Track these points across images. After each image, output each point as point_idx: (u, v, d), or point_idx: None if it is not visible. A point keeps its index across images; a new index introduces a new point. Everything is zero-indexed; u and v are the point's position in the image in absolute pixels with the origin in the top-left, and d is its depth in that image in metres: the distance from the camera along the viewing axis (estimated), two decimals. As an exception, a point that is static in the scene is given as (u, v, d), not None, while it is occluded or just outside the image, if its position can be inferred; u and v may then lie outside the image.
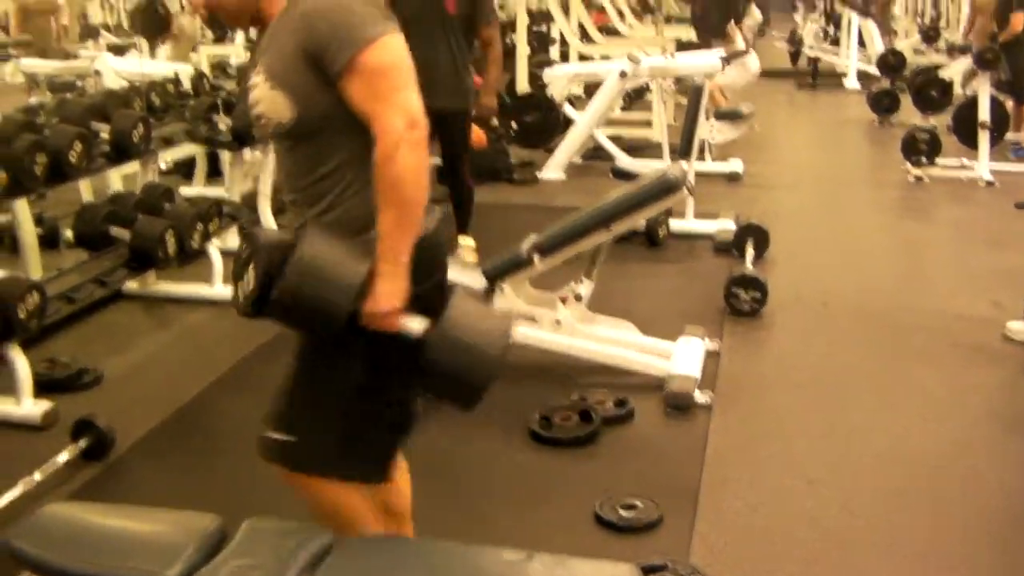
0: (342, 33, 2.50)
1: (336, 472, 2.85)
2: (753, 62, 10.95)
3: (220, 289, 6.28)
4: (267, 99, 2.61)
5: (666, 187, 4.91)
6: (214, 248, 6.29)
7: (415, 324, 2.63)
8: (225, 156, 7.91)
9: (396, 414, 2.85)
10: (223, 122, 6.90)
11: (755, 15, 20.03)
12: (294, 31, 2.57)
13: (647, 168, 6.55)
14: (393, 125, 2.47)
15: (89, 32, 14.95)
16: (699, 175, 7.81)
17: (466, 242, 6.66)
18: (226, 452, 4.50)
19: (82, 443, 4.33)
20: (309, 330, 2.78)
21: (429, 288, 2.67)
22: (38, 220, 6.63)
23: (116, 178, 7.39)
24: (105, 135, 5.90)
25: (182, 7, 14.42)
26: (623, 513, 3.81)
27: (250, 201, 7.19)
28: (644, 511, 3.82)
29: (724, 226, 7.30)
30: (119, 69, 9.85)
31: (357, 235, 2.63)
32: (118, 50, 12.98)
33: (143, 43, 12.67)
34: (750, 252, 6.65)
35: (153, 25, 12.59)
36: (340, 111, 2.56)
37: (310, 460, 2.86)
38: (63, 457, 4.22)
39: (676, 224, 7.40)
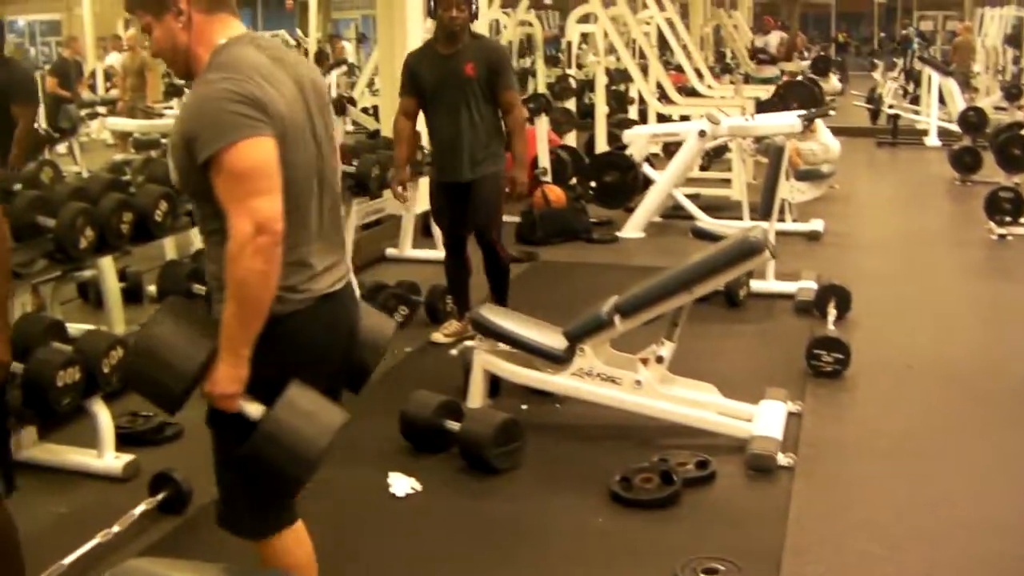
0: (209, 130, 2.60)
1: (265, 531, 2.99)
2: (835, 142, 10.87)
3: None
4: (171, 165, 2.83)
5: (749, 250, 4.89)
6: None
7: (252, 409, 2.75)
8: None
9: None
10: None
11: (834, 84, 20.08)
12: (183, 109, 2.78)
13: (728, 229, 6.51)
14: (242, 228, 2.57)
15: (173, 91, 15.19)
16: (779, 235, 7.75)
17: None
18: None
19: (160, 496, 4.36)
20: (155, 404, 2.93)
21: (271, 374, 2.74)
22: (122, 275, 6.73)
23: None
24: (190, 195, 5.97)
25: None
26: (704, 577, 3.77)
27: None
28: (726, 575, 3.77)
29: (805, 286, 7.23)
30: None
31: None
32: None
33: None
34: (832, 313, 6.58)
35: None
36: (212, 192, 2.67)
37: (241, 526, 3.02)
38: (140, 509, 4.26)
39: (757, 284, 7.34)
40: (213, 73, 2.68)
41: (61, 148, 12.64)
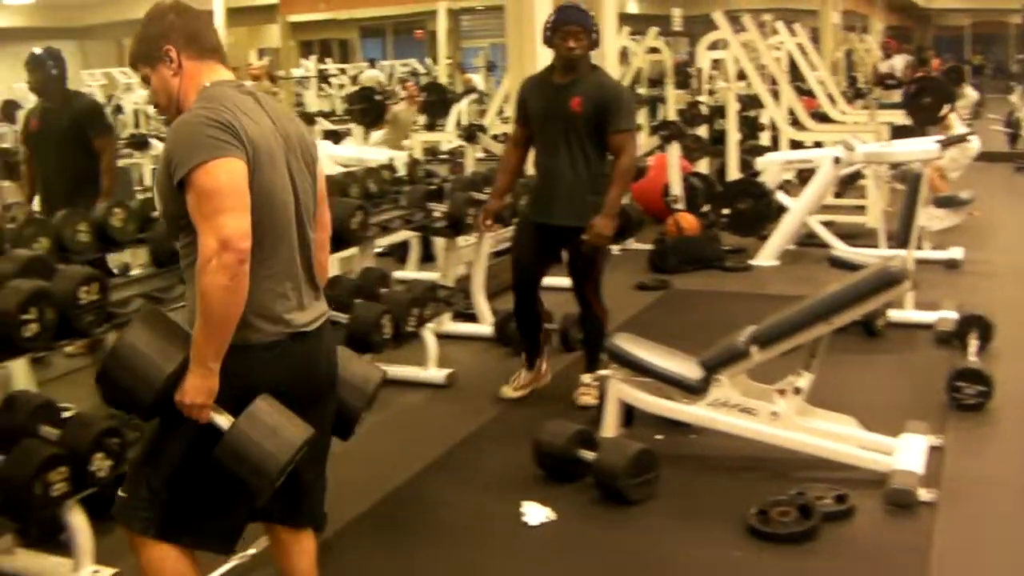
0: (184, 151, 2.77)
1: (156, 531, 3.00)
2: (973, 141, 10.68)
3: (434, 372, 6.37)
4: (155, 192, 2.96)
5: (889, 280, 4.80)
6: (429, 332, 6.38)
7: (221, 420, 2.85)
8: (439, 241, 8.05)
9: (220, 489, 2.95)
10: (438, 209, 7.02)
11: (969, 94, 19.64)
12: (166, 137, 2.92)
13: (865, 257, 6.41)
14: (208, 244, 2.71)
15: (305, 119, 15.45)
16: (917, 263, 7.61)
17: (586, 380, 5.93)
18: (432, 542, 4.53)
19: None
20: (125, 411, 3.11)
21: (239, 393, 2.86)
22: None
23: (333, 261, 7.57)
24: (325, 221, 6.05)
25: (399, 97, 14.84)
26: (845, 615, 3.69)
27: (464, 285, 7.30)
28: (866, 614, 3.70)
29: (945, 316, 7.07)
30: (335, 155, 10.15)
31: None
32: (334, 136, 13.40)
33: (358, 129, 13.05)
34: (973, 343, 6.41)
35: (370, 113, 12.97)
36: (188, 216, 2.82)
37: (133, 516, 3.01)
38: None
39: (895, 314, 7.20)
40: (195, 106, 2.88)
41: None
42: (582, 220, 5.61)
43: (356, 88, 17.29)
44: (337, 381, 3.20)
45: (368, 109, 13.02)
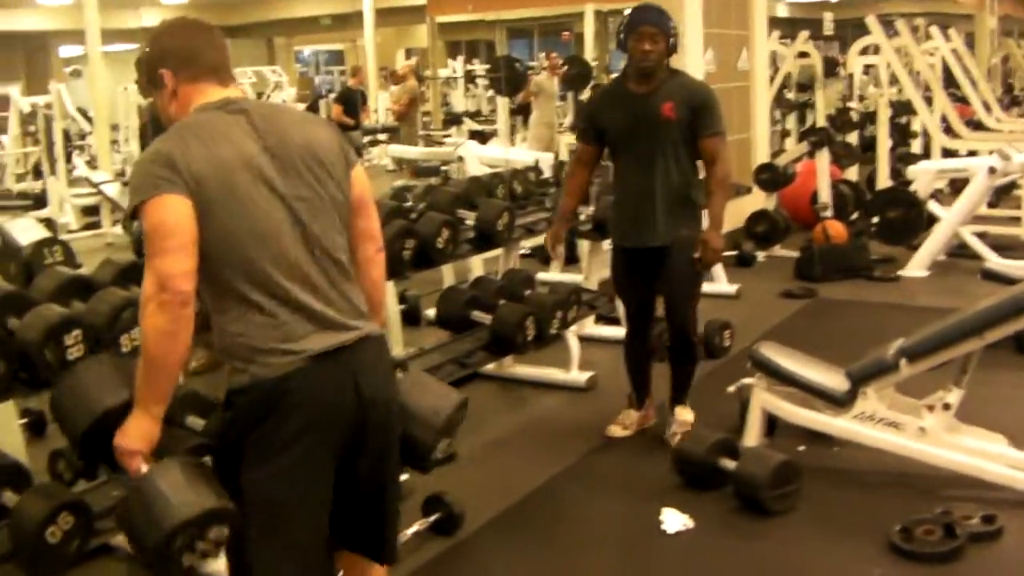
0: (131, 189, 2.73)
1: None
2: None
3: (576, 375, 6.38)
4: None
5: (1046, 295, 4.67)
6: (572, 335, 6.39)
7: (144, 470, 2.73)
8: (583, 244, 8.05)
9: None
10: (584, 211, 7.02)
11: None
12: None
13: (1020, 270, 6.24)
14: (146, 285, 2.61)
15: (453, 119, 15.61)
16: (1075, 279, 7.38)
17: (682, 415, 5.52)
18: (570, 543, 4.54)
19: (432, 518, 4.48)
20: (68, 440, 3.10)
21: (259, 436, 2.73)
22: (401, 298, 6.93)
23: (478, 261, 7.63)
24: (470, 222, 6.11)
25: (541, 67, 14.86)
26: (989, 639, 3.60)
27: (608, 288, 7.28)
28: (1013, 639, 3.60)
29: (1102, 334, 6.85)
30: (482, 156, 10.23)
31: (231, 368, 2.78)
32: (480, 137, 13.50)
33: (504, 129, 13.10)
34: None
35: (511, 82, 12.95)
36: None
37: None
38: (413, 530, 4.38)
39: (1049, 330, 7.00)
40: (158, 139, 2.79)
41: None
42: (688, 233, 5.18)
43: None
44: (393, 408, 2.95)
45: (509, 78, 12.94)
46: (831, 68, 14.12)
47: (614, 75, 6.02)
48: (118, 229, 11.20)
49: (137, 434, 2.73)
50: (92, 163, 14.38)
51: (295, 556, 2.79)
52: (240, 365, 2.73)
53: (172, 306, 2.57)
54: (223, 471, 2.79)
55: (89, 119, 15.04)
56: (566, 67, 14.53)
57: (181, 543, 2.66)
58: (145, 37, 3.13)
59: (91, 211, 12.92)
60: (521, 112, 14.51)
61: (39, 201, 12.99)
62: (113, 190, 12.09)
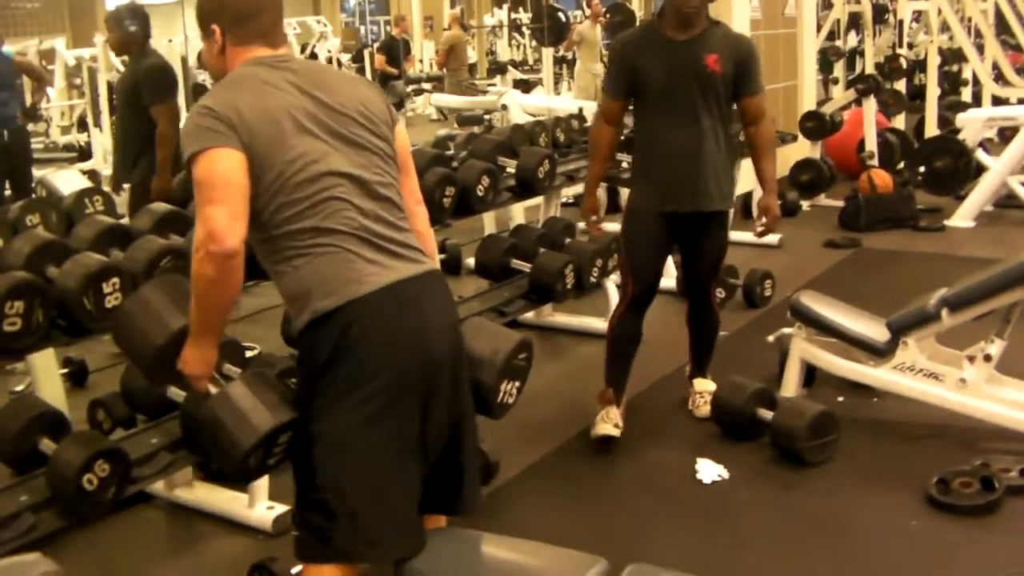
0: (184, 141, 2.73)
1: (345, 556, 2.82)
2: None
3: (614, 325, 6.35)
4: None
5: (1092, 246, 4.60)
6: (611, 283, 6.36)
7: (212, 390, 2.87)
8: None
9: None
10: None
11: None
12: None
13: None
14: (198, 234, 2.64)
15: (497, 68, 15.54)
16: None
17: (703, 386, 5.28)
18: (606, 492, 4.55)
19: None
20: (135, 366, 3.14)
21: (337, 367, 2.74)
22: (441, 247, 6.91)
23: (519, 209, 7.61)
24: (511, 170, 6.08)
25: (584, 15, 14.74)
26: (1024, 592, 3.58)
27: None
28: (1048, 593, 3.57)
29: None
30: (525, 104, 10.18)
31: (297, 310, 2.81)
32: (525, 86, 13.44)
33: (548, 78, 13.02)
34: None
35: (553, 31, 12.87)
36: None
37: (316, 550, 2.83)
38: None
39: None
40: (207, 93, 2.82)
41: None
42: (727, 202, 4.94)
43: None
44: (459, 336, 2.96)
45: (552, 27, 12.84)
46: (881, 14, 13.93)
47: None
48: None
49: (199, 360, 2.84)
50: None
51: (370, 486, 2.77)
52: (305, 302, 2.75)
53: (218, 257, 2.60)
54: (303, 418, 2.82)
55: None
56: (609, 15, 14.40)
57: (258, 455, 2.79)
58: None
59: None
60: (565, 61, 14.42)
61: (84, 153, 13.04)
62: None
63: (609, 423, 4.92)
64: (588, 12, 15.11)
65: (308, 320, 2.75)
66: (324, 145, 2.78)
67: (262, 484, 4.24)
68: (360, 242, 2.77)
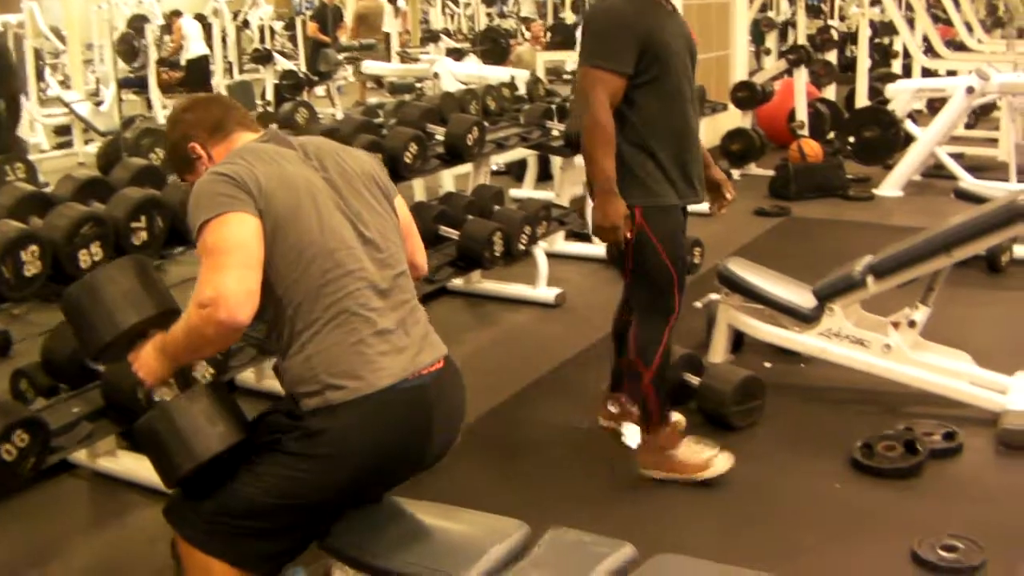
0: (193, 211, 2.60)
1: (205, 548, 2.71)
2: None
3: (544, 291, 6.35)
4: None
5: (1016, 214, 4.64)
6: (540, 251, 6.35)
7: (163, 393, 2.77)
8: (556, 160, 7.99)
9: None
10: (556, 128, 6.96)
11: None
12: None
13: (993, 190, 6.21)
14: (204, 293, 2.47)
15: (430, 36, 15.44)
16: (1048, 199, 7.37)
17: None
18: (535, 457, 4.54)
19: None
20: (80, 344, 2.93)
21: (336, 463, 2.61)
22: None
23: (448, 177, 7.57)
24: (440, 137, 6.04)
25: (523, 37, 14.73)
26: (943, 554, 3.60)
27: (579, 205, 7.24)
28: (966, 554, 3.60)
29: (1074, 255, 6.85)
30: (457, 72, 10.12)
31: (296, 396, 2.65)
32: (457, 54, 13.38)
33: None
34: (1101, 284, 6.21)
35: (494, 54, 12.96)
36: None
37: (186, 523, 2.74)
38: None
39: (1021, 250, 6.99)
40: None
41: (319, 91, 13.03)
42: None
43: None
44: (456, 439, 2.91)
45: (492, 50, 13.01)
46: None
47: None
48: (90, 148, 11.07)
49: (151, 370, 2.69)
50: (65, 83, 14.19)
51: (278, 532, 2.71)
52: (312, 388, 2.61)
53: (224, 327, 2.48)
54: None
55: (62, 38, 14.83)
56: (551, 34, 14.44)
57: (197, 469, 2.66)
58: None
59: (63, 131, 12.76)
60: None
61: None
62: (85, 110, 11.92)
63: (712, 452, 4.25)
64: (528, 35, 15.08)
65: (315, 407, 2.61)
66: (341, 218, 2.69)
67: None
68: (373, 325, 2.66)
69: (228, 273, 2.48)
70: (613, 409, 4.57)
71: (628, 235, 4.03)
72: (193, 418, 2.64)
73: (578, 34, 13.87)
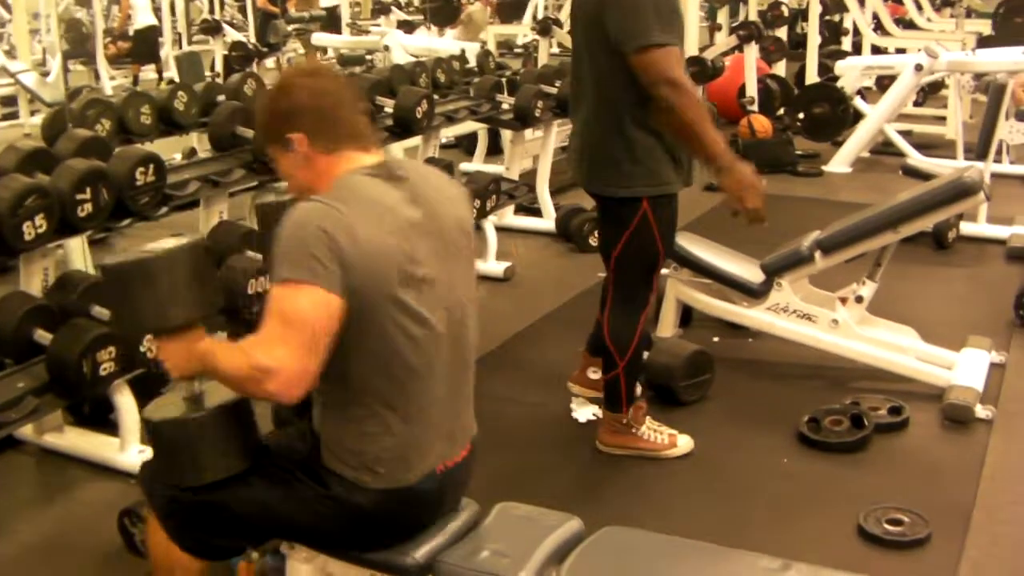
0: (278, 254, 2.35)
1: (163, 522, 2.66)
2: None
3: (493, 265, 6.33)
4: None
5: (962, 190, 4.68)
6: (490, 224, 6.33)
7: (183, 387, 2.56)
8: (506, 134, 7.97)
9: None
10: (506, 101, 6.94)
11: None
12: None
13: (940, 167, 6.25)
14: (260, 358, 2.27)
15: (381, 9, 15.35)
16: (995, 176, 7.45)
17: None
18: (482, 431, 4.49)
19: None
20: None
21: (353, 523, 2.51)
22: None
23: (398, 150, 7.53)
24: (389, 110, 6.00)
25: None
26: (888, 527, 3.64)
27: (529, 179, 7.23)
28: (911, 527, 3.64)
29: (1019, 232, 6.90)
30: (408, 45, 10.08)
31: (326, 453, 2.51)
32: (408, 27, 13.33)
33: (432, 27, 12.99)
34: (1046, 261, 6.27)
35: (444, 12, 12.86)
36: None
37: (157, 494, 2.66)
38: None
39: (967, 227, 7.05)
40: (322, 197, 2.41)
41: (269, 62, 12.93)
42: None
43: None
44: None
45: (442, 8, 12.87)
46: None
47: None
48: (36, 119, 10.93)
49: (181, 362, 2.43)
50: (11, 53, 13.99)
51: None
52: (349, 459, 2.48)
53: (269, 396, 2.33)
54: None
55: (7, 6, 14.62)
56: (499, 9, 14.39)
57: None
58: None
59: (8, 102, 12.60)
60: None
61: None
62: (31, 80, 11.75)
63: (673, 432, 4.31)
64: None
65: (346, 478, 2.48)
66: (432, 306, 2.45)
67: (133, 427, 4.13)
68: (437, 424, 2.53)
69: (291, 350, 2.28)
70: (593, 376, 4.57)
71: (635, 223, 3.95)
72: (209, 441, 2.54)
73: (531, 7, 13.88)
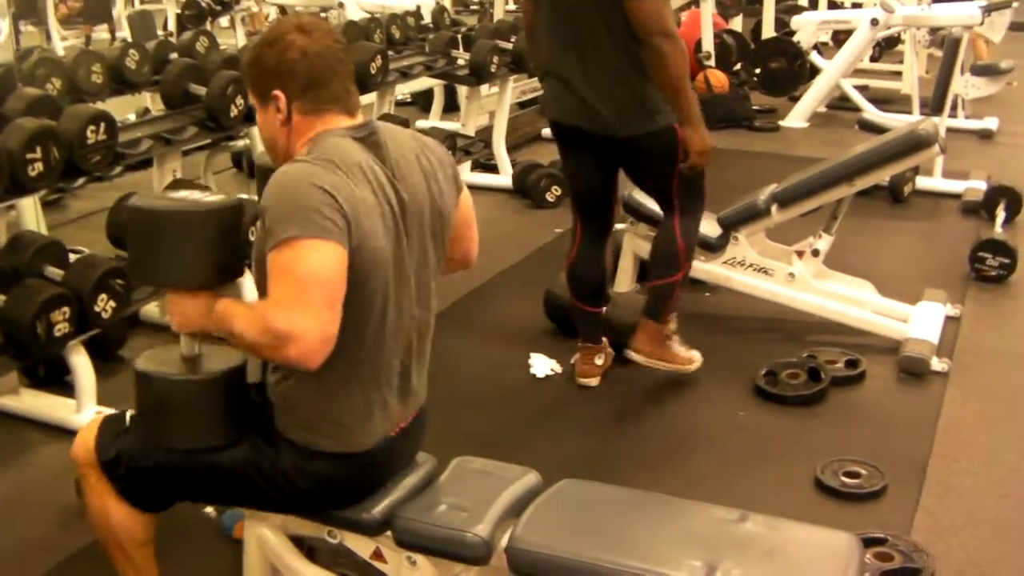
0: (279, 214, 2.28)
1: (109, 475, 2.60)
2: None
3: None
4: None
5: (917, 143, 4.70)
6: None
7: (186, 349, 2.51)
8: (462, 90, 7.93)
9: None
10: (462, 57, 6.90)
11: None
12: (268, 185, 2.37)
13: (896, 121, 6.27)
14: (278, 323, 2.21)
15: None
16: (950, 131, 7.48)
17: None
18: (438, 388, 4.44)
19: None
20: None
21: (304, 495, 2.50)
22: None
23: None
24: (343, 66, 5.94)
25: None
26: (845, 479, 3.67)
27: (485, 135, 7.20)
28: (867, 479, 3.68)
29: (974, 186, 6.94)
30: (362, 1, 9.97)
31: (280, 415, 2.49)
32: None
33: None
34: (1000, 215, 6.29)
35: None
36: None
37: (109, 446, 2.60)
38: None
39: (923, 181, 7.08)
40: (304, 155, 2.36)
41: (223, 21, 12.79)
42: None
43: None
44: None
45: None
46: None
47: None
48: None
49: (190, 319, 2.42)
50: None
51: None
52: (305, 427, 2.46)
53: (288, 360, 2.27)
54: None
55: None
56: None
57: None
58: None
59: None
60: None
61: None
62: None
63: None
64: None
65: (303, 445, 2.46)
66: (400, 276, 2.43)
67: (89, 389, 4.09)
68: (388, 384, 2.50)
69: (310, 313, 2.22)
70: (599, 362, 4.54)
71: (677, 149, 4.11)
72: (211, 405, 2.51)
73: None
